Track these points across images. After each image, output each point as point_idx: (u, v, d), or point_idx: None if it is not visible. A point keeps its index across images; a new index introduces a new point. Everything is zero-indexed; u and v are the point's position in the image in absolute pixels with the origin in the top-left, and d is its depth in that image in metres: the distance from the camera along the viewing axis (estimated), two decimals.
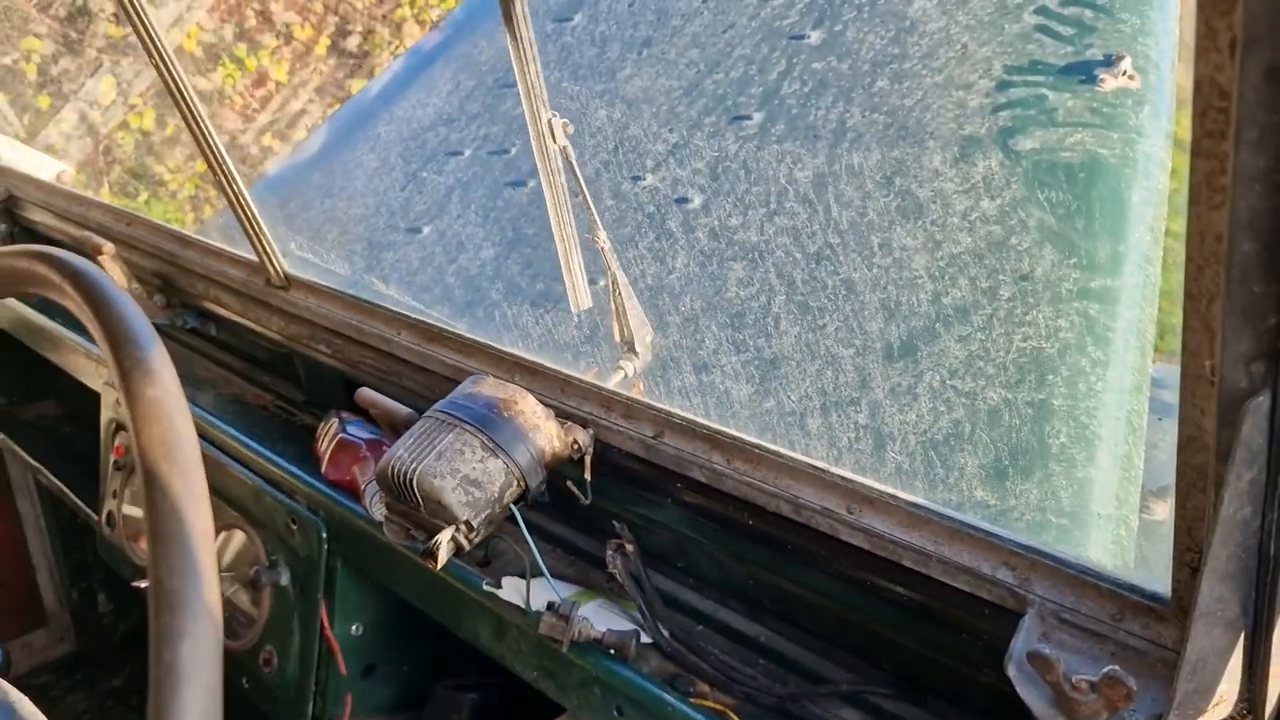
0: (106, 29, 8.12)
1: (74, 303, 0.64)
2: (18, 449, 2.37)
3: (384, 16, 9.05)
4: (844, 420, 1.47)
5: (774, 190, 1.83)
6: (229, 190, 1.61)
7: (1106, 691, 0.80)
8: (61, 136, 7.61)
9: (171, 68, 1.56)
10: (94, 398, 2.02)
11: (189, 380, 1.99)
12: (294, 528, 1.48)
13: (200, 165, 8.34)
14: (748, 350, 1.65)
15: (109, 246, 1.94)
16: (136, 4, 1.51)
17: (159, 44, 1.57)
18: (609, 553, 1.24)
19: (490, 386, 1.21)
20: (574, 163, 1.35)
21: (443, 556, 1.13)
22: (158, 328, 2.08)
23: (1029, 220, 1.58)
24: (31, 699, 2.93)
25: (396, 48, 8.87)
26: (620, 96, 2.18)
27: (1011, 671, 0.86)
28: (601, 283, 1.54)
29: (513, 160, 2.27)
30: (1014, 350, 1.47)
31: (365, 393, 1.39)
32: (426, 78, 2.65)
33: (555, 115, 1.33)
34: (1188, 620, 0.75)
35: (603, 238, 1.39)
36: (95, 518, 1.97)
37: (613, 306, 1.51)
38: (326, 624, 1.46)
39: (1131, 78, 1.69)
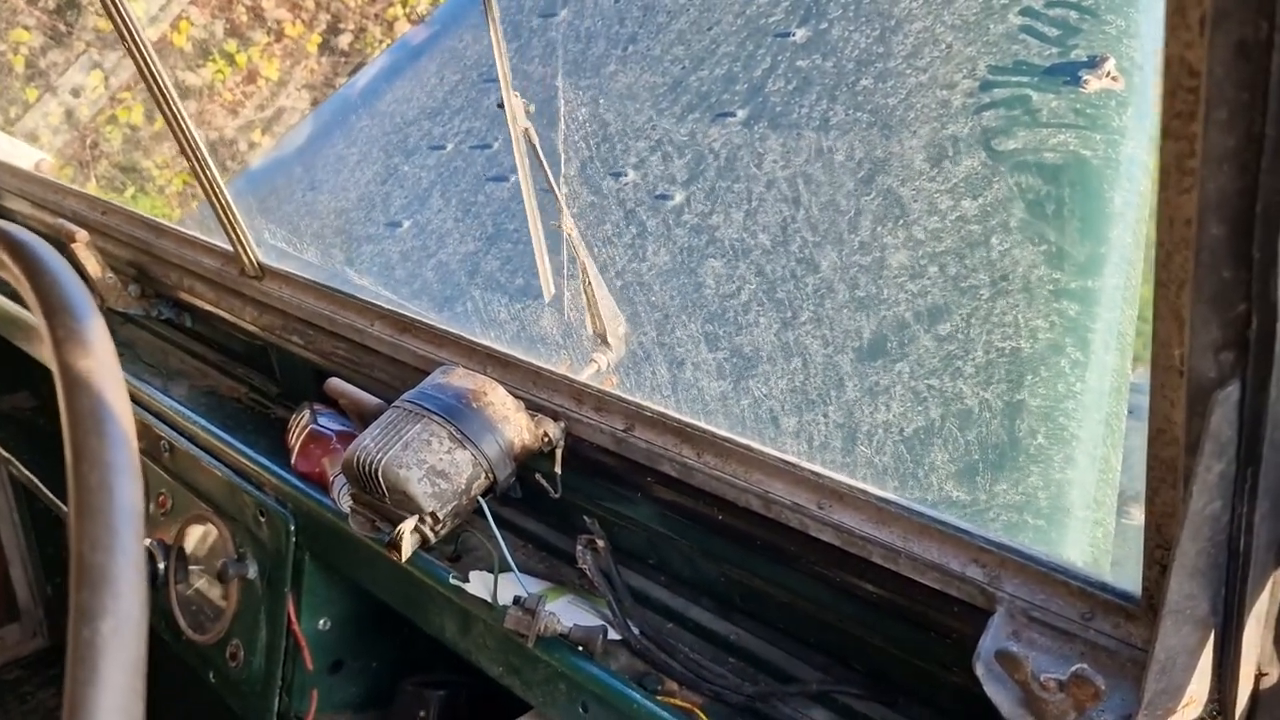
0: (95, 22, 8.08)
1: (10, 272, 0.62)
2: (13, 460, 2.34)
3: (376, 15, 9.03)
4: (817, 418, 1.46)
5: (756, 188, 1.82)
6: (203, 178, 1.59)
7: (1075, 691, 0.79)
8: (48, 130, 7.56)
9: (148, 59, 1.54)
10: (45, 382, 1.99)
11: (163, 372, 1.96)
12: (262, 520, 1.46)
13: None
14: (724, 346, 1.64)
15: (82, 234, 1.91)
16: None
17: (136, 35, 1.55)
18: (579, 548, 1.22)
19: (460, 377, 1.20)
20: (537, 146, 1.33)
21: (406, 548, 1.11)
22: (132, 318, 2.05)
23: (1010, 220, 1.57)
24: (4, 694, 2.90)
25: (388, 46, 8.85)
26: (604, 93, 2.17)
27: (980, 670, 0.85)
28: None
29: (494, 155, 2.25)
30: (993, 350, 1.46)
31: (334, 383, 1.37)
32: (411, 72, 2.63)
33: (517, 95, 1.31)
34: (1157, 619, 0.74)
35: (569, 225, 1.38)
36: (66, 510, 1.94)
37: (584, 298, 1.49)
38: (294, 618, 1.43)
39: (1115, 79, 1.68)
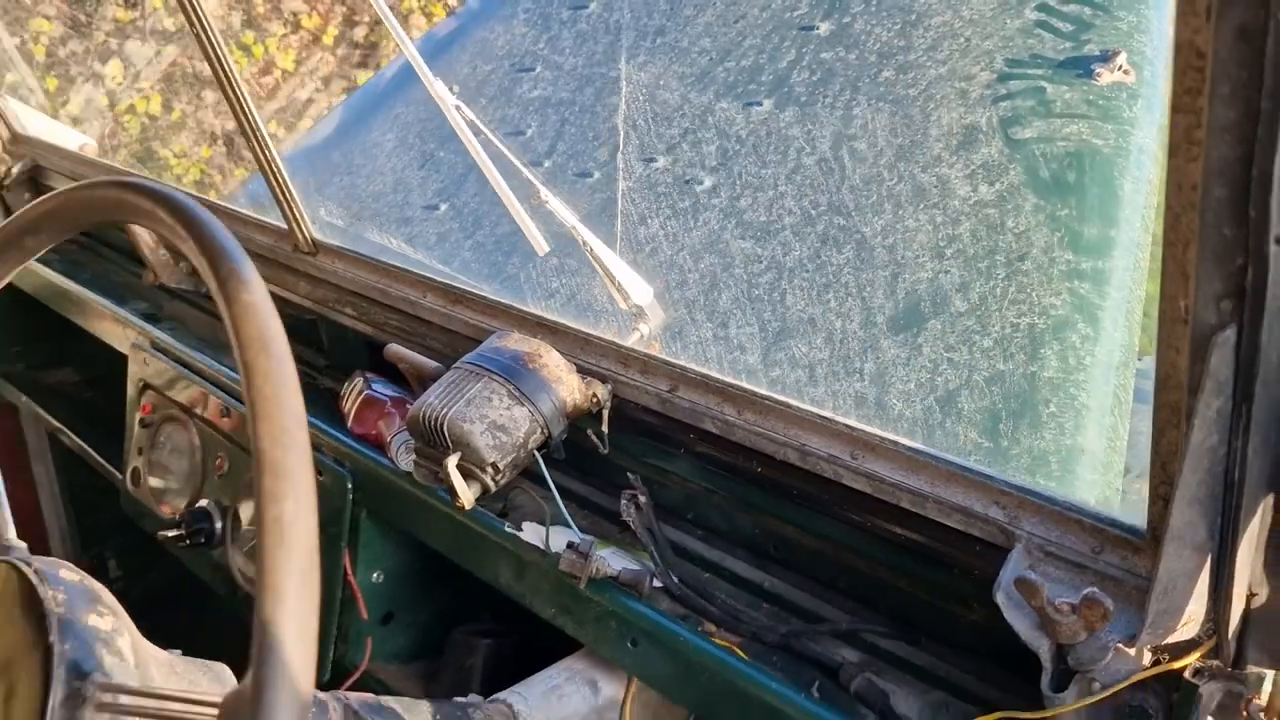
0: (114, 13, 8.17)
1: (166, 226, 0.71)
2: (41, 411, 2.44)
3: (391, 8, 9.11)
4: (844, 389, 1.55)
5: (782, 172, 1.91)
6: (261, 155, 1.68)
7: (1085, 612, 0.88)
8: (68, 119, 7.65)
9: (210, 32, 1.63)
10: (113, 364, 2.09)
11: (214, 345, 2.06)
12: (321, 479, 1.55)
13: (205, 150, 8.38)
14: (754, 321, 1.73)
15: None
16: None
17: (198, 7, 1.64)
18: (623, 502, 1.31)
19: (515, 341, 1.29)
20: (478, 123, 1.44)
21: (469, 496, 1.21)
22: (181, 294, 2.14)
23: (1025, 205, 1.66)
24: None
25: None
26: (634, 82, 2.26)
27: (1000, 598, 0.94)
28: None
29: (528, 141, 2.34)
30: (1008, 325, 1.55)
31: (394, 348, 1.46)
32: (443, 62, 2.72)
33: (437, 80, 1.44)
34: (1160, 547, 0.83)
35: (555, 205, 1.47)
36: (119, 476, 2.04)
37: (599, 273, 1.58)
38: (350, 571, 1.53)
39: (1126, 73, 1.77)
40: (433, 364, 1.40)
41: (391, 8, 8.45)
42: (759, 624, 1.22)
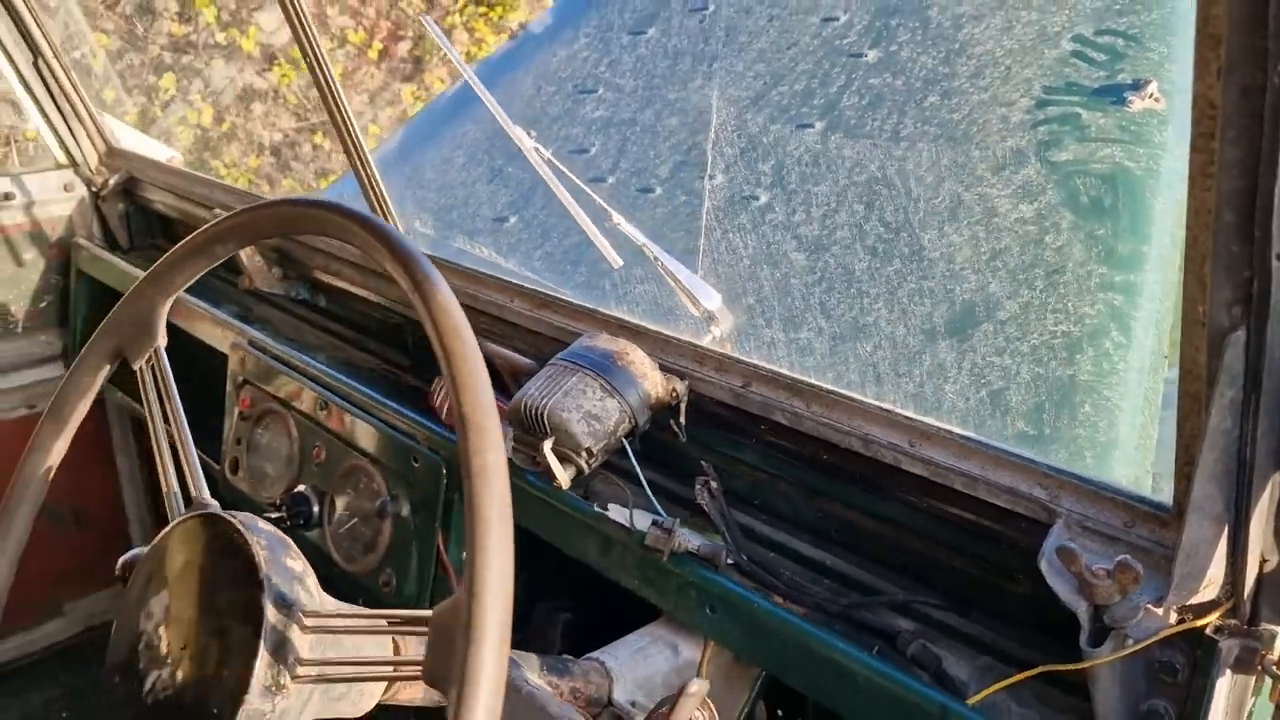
0: (169, 27, 8.44)
1: (360, 239, 0.87)
2: (131, 403, 2.62)
3: (435, 21, 9.34)
4: (899, 388, 1.70)
5: (834, 190, 2.06)
6: (358, 162, 1.85)
7: (1119, 576, 1.02)
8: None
9: (309, 33, 1.77)
10: (204, 364, 2.26)
11: (303, 345, 2.23)
12: (415, 465, 1.72)
13: (254, 160, 8.61)
14: (810, 327, 1.88)
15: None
16: None
17: (305, 19, 1.78)
18: (697, 487, 1.46)
19: (604, 341, 1.45)
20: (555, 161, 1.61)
21: (565, 477, 1.36)
22: (269, 298, 2.32)
23: (1062, 222, 1.80)
24: None
25: (446, 54, 9.17)
26: (692, 105, 2.42)
27: (1043, 565, 1.08)
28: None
29: (591, 159, 2.51)
30: (1046, 332, 1.69)
31: (488, 345, 1.62)
32: (506, 83, 2.90)
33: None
34: (1184, 518, 0.97)
35: (626, 228, 1.63)
36: (217, 466, 2.21)
37: (670, 283, 1.74)
38: (443, 549, 1.69)
39: (1157, 100, 1.91)
40: (526, 360, 1.56)
41: (436, 20, 8.62)
42: (821, 596, 1.37)
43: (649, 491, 1.40)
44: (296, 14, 1.76)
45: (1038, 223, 1.82)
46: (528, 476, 1.54)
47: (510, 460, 1.59)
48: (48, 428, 1.15)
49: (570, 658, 1.36)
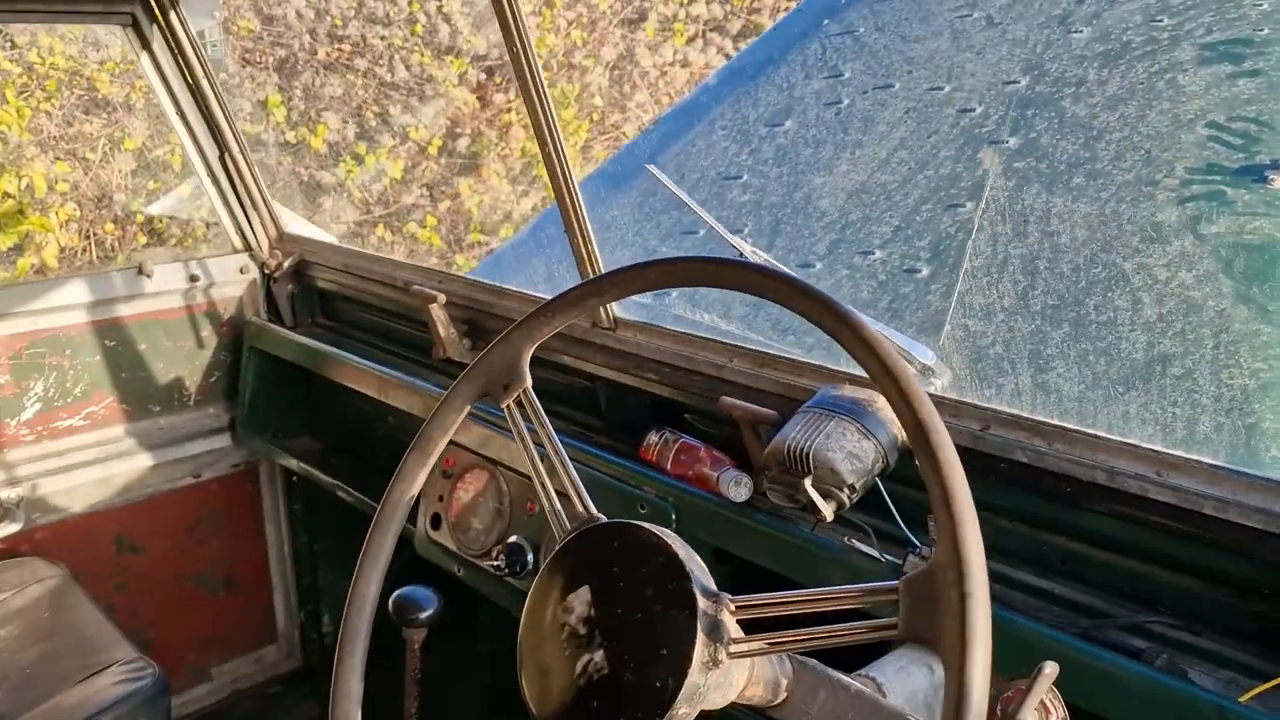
0: (242, 126, 8.83)
1: (815, 316, 1.02)
2: (315, 471, 2.78)
3: (489, 120, 9.76)
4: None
5: (993, 262, 2.25)
6: (579, 235, 2.03)
7: None
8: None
9: (542, 93, 1.94)
10: (355, 426, 2.41)
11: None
12: (643, 511, 1.87)
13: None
14: (984, 387, 2.04)
15: (440, 298, 2.39)
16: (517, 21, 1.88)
17: (531, 61, 1.93)
18: (931, 522, 1.62)
19: (850, 389, 1.62)
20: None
21: (829, 510, 1.52)
22: (464, 365, 2.50)
23: (1223, 288, 1.98)
24: (269, 706, 3.32)
25: (503, 149, 9.57)
26: (840, 188, 2.63)
27: None
28: None
29: (746, 238, 2.71)
30: (1222, 385, 1.85)
31: (726, 400, 1.79)
32: (646, 174, 3.12)
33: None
34: None
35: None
36: (411, 527, 2.37)
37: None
38: None
39: None
40: (766, 411, 1.73)
41: (490, 120, 8.95)
42: (1059, 620, 1.50)
43: (901, 523, 1.55)
44: (532, 78, 1.92)
45: (1199, 288, 2.00)
46: (758, 517, 1.70)
47: (750, 504, 1.75)
48: (412, 460, 1.32)
49: (844, 674, 1.49)
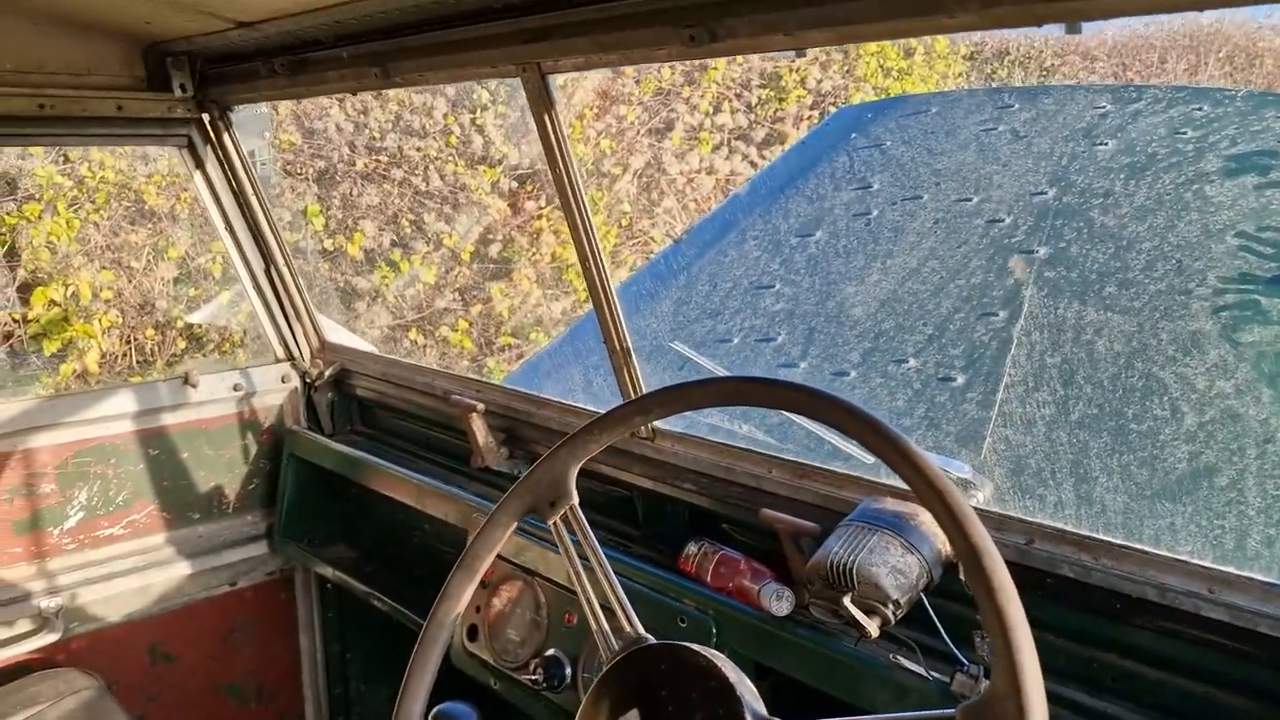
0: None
1: (855, 432, 1.05)
2: (349, 579, 2.78)
3: (520, 226, 9.98)
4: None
5: (1030, 371, 2.26)
6: (618, 349, 2.06)
7: None
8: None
9: (586, 220, 1.98)
10: (391, 533, 2.41)
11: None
12: (683, 625, 1.86)
13: None
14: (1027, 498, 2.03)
15: (480, 407, 2.42)
16: (560, 143, 1.93)
17: (574, 181, 1.98)
18: (977, 639, 1.59)
19: (891, 503, 1.61)
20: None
21: (873, 627, 1.50)
22: (502, 474, 2.53)
23: (1263, 397, 1.98)
24: None
25: (534, 255, 9.75)
26: (872, 297, 2.66)
27: None
28: None
29: (780, 346, 2.74)
30: (1268, 497, 1.84)
31: (767, 513, 1.79)
32: (679, 285, 3.18)
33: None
34: None
35: None
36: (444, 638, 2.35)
37: None
38: None
39: None
40: (808, 524, 1.72)
41: (520, 226, 9.11)
42: None
43: (948, 640, 1.53)
44: (575, 201, 1.97)
45: (1238, 398, 2.00)
46: (799, 632, 1.68)
47: (791, 617, 1.74)
48: (458, 578, 1.33)
49: None
